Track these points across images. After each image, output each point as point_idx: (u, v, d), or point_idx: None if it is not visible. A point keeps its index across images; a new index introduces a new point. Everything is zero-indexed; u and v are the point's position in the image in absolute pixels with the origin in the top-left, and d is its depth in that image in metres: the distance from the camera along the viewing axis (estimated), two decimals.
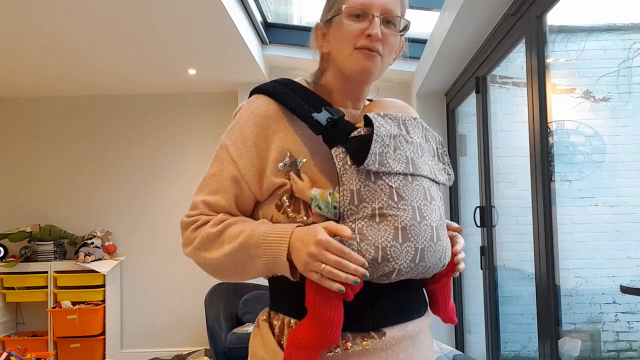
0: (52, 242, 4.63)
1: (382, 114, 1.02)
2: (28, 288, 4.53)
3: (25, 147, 4.96)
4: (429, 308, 1.14)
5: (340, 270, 0.91)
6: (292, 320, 1.03)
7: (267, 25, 4.15)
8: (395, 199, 0.97)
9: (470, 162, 3.70)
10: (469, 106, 3.61)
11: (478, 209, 3.06)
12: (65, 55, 3.84)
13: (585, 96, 3.60)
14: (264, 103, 1.08)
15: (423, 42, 3.65)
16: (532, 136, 2.24)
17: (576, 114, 3.56)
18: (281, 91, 1.09)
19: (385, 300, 1.02)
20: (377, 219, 0.96)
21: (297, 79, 1.16)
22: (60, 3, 2.92)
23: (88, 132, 4.96)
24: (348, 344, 1.00)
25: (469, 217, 3.16)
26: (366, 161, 0.96)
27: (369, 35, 1.05)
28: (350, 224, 0.97)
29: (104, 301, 4.55)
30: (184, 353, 4.42)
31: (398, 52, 1.18)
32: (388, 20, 1.09)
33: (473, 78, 3.13)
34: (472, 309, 3.70)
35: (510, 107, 3.63)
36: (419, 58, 3.86)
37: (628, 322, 3.48)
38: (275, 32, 4.19)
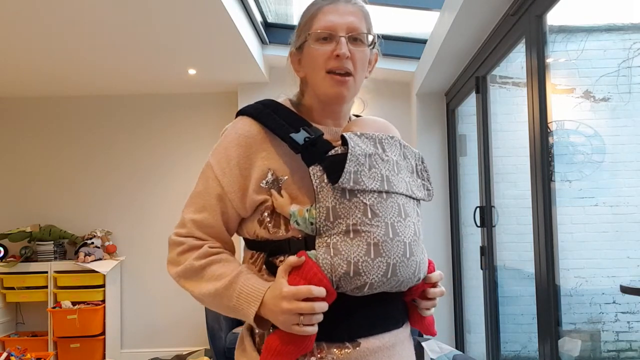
0: (52, 242, 4.63)
1: (358, 133, 1.08)
2: (28, 288, 4.53)
3: (25, 147, 4.96)
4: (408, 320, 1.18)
5: (316, 312, 0.97)
6: (272, 329, 1.06)
7: (267, 25, 4.15)
8: (369, 216, 1.02)
9: (470, 162, 3.70)
10: (469, 106, 3.61)
11: (478, 209, 3.06)
12: (65, 55, 3.84)
13: (585, 96, 3.60)
14: (246, 124, 1.13)
15: (423, 42, 3.66)
16: (532, 136, 2.24)
17: (576, 114, 3.56)
18: (262, 112, 1.14)
19: (361, 311, 1.05)
20: (351, 235, 1.01)
21: (281, 99, 1.20)
22: (60, 3, 2.92)
23: (88, 132, 4.96)
24: (323, 353, 1.03)
25: (469, 217, 3.16)
26: (340, 180, 1.01)
27: (337, 56, 1.10)
28: (326, 238, 1.02)
29: (104, 301, 4.55)
30: (184, 353, 4.42)
31: (373, 64, 1.22)
32: (355, 38, 1.12)
33: (473, 78, 3.13)
34: (472, 309, 3.70)
35: (510, 107, 3.63)
36: (419, 58, 3.87)
37: (628, 322, 3.48)
38: (275, 32, 4.19)
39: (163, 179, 4.92)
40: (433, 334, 1.17)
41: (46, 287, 4.50)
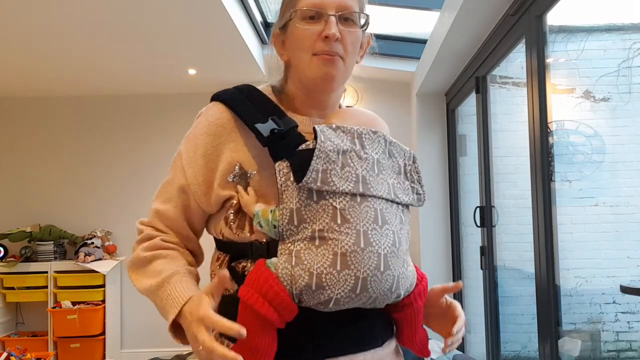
0: (52, 242, 4.63)
1: (334, 126, 0.95)
2: (28, 288, 4.53)
3: (25, 147, 4.96)
4: (394, 337, 1.05)
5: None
6: (231, 344, 0.95)
7: (267, 25, 4.15)
8: (339, 221, 0.88)
9: (470, 162, 3.70)
10: (469, 106, 3.61)
11: (478, 209, 3.06)
12: (64, 55, 3.83)
13: (585, 96, 3.60)
14: (217, 111, 1.05)
15: (423, 42, 3.66)
16: (532, 136, 2.24)
17: (576, 114, 3.56)
18: (236, 98, 1.04)
19: (330, 328, 0.93)
20: (317, 242, 0.88)
21: (262, 86, 1.09)
22: (60, 3, 2.92)
23: (88, 132, 4.96)
24: None
25: (469, 217, 3.16)
26: (305, 178, 0.88)
27: (326, 37, 0.98)
28: (289, 245, 0.90)
29: (104, 301, 4.55)
30: (184, 353, 4.42)
31: (364, 49, 1.10)
32: (346, 18, 1.00)
33: (473, 78, 3.13)
34: (472, 309, 3.70)
35: (510, 107, 3.63)
36: (419, 58, 3.86)
37: (628, 322, 3.48)
38: None
39: (163, 179, 4.91)
40: (425, 356, 1.05)
41: (46, 287, 4.50)
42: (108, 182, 4.91)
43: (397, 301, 0.96)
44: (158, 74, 4.38)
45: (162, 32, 3.42)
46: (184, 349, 4.58)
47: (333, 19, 0.98)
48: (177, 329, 0.96)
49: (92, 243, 4.60)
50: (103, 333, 4.54)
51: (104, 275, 4.51)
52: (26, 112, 4.98)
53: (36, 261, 4.58)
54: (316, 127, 0.94)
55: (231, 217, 0.99)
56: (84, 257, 4.47)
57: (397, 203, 0.96)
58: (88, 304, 4.48)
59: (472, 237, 3.21)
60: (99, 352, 4.50)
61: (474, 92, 3.13)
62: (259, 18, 3.89)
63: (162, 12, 3.09)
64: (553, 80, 2.51)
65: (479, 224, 3.04)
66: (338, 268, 0.87)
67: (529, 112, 2.26)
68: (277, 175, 0.92)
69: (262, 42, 4.16)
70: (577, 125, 3.55)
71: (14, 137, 4.97)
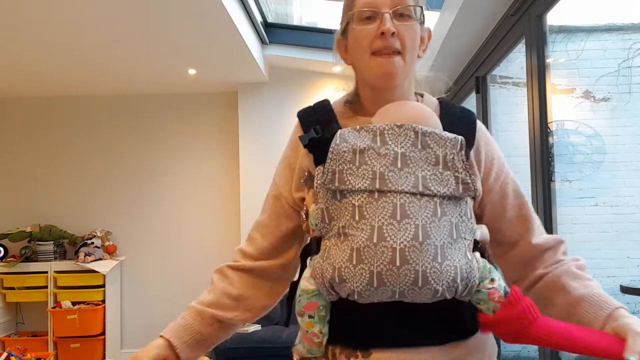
0: (52, 242, 4.63)
1: (358, 127, 0.99)
2: (28, 288, 4.53)
3: (25, 147, 4.96)
4: (472, 339, 1.00)
5: None
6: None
7: (267, 25, 4.15)
8: (356, 218, 0.93)
9: None
10: (469, 106, 3.61)
11: None
12: (64, 55, 3.84)
13: (585, 96, 3.60)
14: (295, 127, 1.13)
15: None
16: (532, 136, 2.24)
17: (576, 114, 3.57)
18: (306, 114, 1.11)
19: (376, 319, 0.95)
20: (342, 238, 0.94)
21: (339, 98, 1.15)
22: (60, 3, 2.92)
23: (88, 132, 4.96)
24: (334, 358, 0.99)
25: None
26: (321, 180, 0.96)
27: (382, 34, 1.00)
28: (326, 241, 0.97)
29: (104, 301, 4.55)
30: None
31: (426, 43, 1.12)
32: (401, 13, 1.02)
33: (473, 78, 3.13)
34: None
35: (510, 107, 3.63)
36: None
37: None
38: (275, 32, 4.18)
39: (163, 179, 4.92)
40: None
41: (46, 287, 4.50)
42: (108, 182, 4.91)
43: (460, 296, 0.94)
44: (158, 74, 4.38)
45: (162, 32, 3.42)
46: None
47: (387, 15, 1.01)
48: None
49: (92, 243, 4.60)
50: (103, 333, 4.54)
51: (104, 275, 4.51)
52: (26, 112, 4.98)
53: (36, 261, 4.58)
54: (339, 131, 0.99)
55: (303, 216, 1.08)
56: (84, 257, 4.47)
57: (429, 195, 0.94)
58: (88, 304, 4.48)
59: None
60: (99, 352, 4.50)
61: (474, 92, 3.13)
62: (259, 18, 3.89)
63: (162, 12, 3.09)
64: (553, 80, 2.51)
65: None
66: (354, 262, 0.91)
67: (529, 112, 2.26)
68: (315, 178, 0.99)
69: (262, 42, 4.16)
70: (577, 125, 3.55)
71: (14, 137, 4.97)
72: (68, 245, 4.80)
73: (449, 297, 0.92)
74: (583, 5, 3.55)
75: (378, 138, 0.97)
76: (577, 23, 3.51)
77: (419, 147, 0.97)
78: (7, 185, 4.93)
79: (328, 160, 0.96)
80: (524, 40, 2.34)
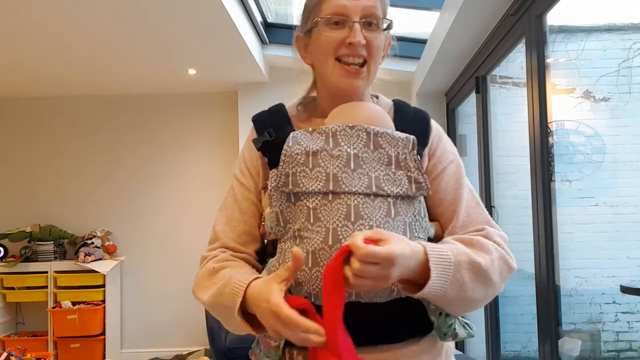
0: (52, 242, 4.63)
1: (310, 129, 1.00)
2: (28, 288, 4.53)
3: (25, 147, 4.96)
4: (429, 337, 1.01)
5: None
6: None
7: (267, 25, 4.15)
8: (311, 221, 0.93)
9: (470, 162, 3.70)
10: (469, 106, 3.61)
11: None
12: (64, 55, 3.83)
13: (585, 96, 3.60)
14: (250, 132, 1.12)
15: (423, 42, 3.65)
16: (532, 136, 2.24)
17: (576, 114, 3.56)
18: (260, 118, 1.11)
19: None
20: (297, 241, 0.94)
21: (293, 101, 1.15)
22: (60, 3, 2.92)
23: (88, 132, 4.96)
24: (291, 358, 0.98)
25: None
26: (274, 183, 0.96)
27: (350, 44, 1.00)
28: (282, 244, 0.97)
29: (104, 301, 4.55)
30: (184, 353, 4.42)
31: (386, 50, 1.12)
32: (370, 22, 1.02)
33: (473, 78, 3.13)
34: None
35: (510, 107, 3.63)
36: (419, 58, 3.86)
37: (628, 322, 3.48)
38: (275, 32, 4.18)
39: (163, 179, 4.92)
40: None
41: (46, 287, 4.50)
42: (108, 182, 4.91)
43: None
44: (158, 74, 4.38)
45: (162, 32, 3.42)
46: (184, 349, 4.58)
47: (358, 25, 1.00)
48: (248, 320, 0.94)
49: (92, 243, 4.60)
50: (103, 333, 4.54)
51: (104, 275, 4.51)
52: (26, 112, 4.98)
53: (36, 261, 4.58)
54: (291, 133, 0.99)
55: (261, 219, 1.07)
56: (84, 257, 4.47)
57: (383, 195, 0.95)
58: (88, 304, 4.48)
59: None
60: (99, 352, 4.50)
61: (474, 92, 3.13)
62: (259, 18, 3.89)
63: (162, 12, 3.09)
64: (553, 80, 2.51)
65: None
66: (309, 265, 0.91)
67: (529, 112, 2.26)
68: (269, 182, 0.98)
69: (262, 42, 4.16)
70: (577, 125, 3.55)
71: (14, 137, 4.97)
72: (68, 245, 4.80)
73: (404, 295, 0.93)
74: (583, 5, 3.55)
75: (331, 139, 0.97)
76: (577, 23, 3.51)
77: (372, 147, 0.98)
78: (7, 185, 4.93)
79: (281, 163, 0.96)
80: (524, 40, 2.34)
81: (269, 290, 0.85)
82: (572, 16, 3.45)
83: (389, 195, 0.95)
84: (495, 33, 2.68)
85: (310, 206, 0.94)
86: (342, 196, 0.93)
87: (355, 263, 0.80)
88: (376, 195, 0.94)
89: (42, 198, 4.90)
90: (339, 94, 1.05)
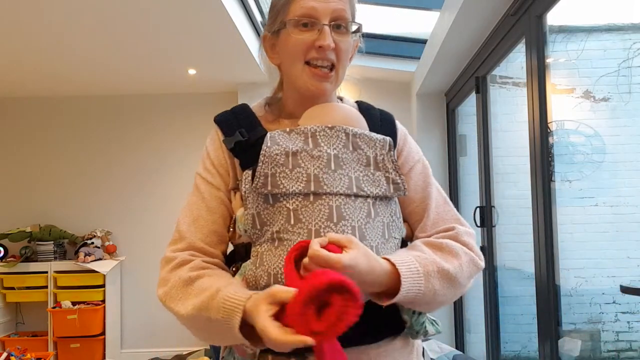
0: (52, 242, 4.63)
1: (288, 129, 0.98)
2: (28, 288, 4.53)
3: (26, 147, 4.96)
4: (401, 336, 1.00)
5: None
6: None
7: None
8: (292, 222, 0.91)
9: (470, 162, 3.70)
10: (469, 106, 3.61)
11: (478, 209, 3.06)
12: (64, 56, 3.83)
13: (585, 96, 3.60)
14: (213, 133, 1.11)
15: (423, 42, 3.65)
16: (532, 136, 2.24)
17: (576, 114, 3.56)
18: (225, 119, 1.09)
19: None
20: (276, 243, 0.92)
21: (258, 101, 1.14)
22: (60, 3, 2.92)
23: (88, 132, 4.96)
24: None
25: (469, 217, 3.16)
26: (253, 184, 0.93)
27: (319, 47, 0.99)
28: (257, 247, 0.95)
29: (104, 301, 4.55)
30: (184, 353, 4.41)
31: (353, 52, 1.10)
32: (339, 25, 1.01)
33: (473, 78, 3.13)
34: (472, 309, 3.70)
35: (510, 107, 3.63)
36: (419, 58, 3.86)
37: (628, 322, 3.48)
38: None
39: (163, 179, 4.92)
40: None
41: (46, 287, 4.50)
42: (108, 182, 4.91)
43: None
44: (158, 74, 4.38)
45: (162, 32, 3.42)
46: (184, 349, 4.57)
47: (327, 28, 0.99)
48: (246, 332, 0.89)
49: (92, 243, 4.60)
50: (103, 333, 4.54)
51: (104, 275, 4.51)
52: (26, 112, 4.98)
53: (36, 261, 4.58)
54: (269, 133, 0.97)
55: (230, 221, 1.04)
56: (84, 257, 4.47)
57: (363, 196, 0.95)
58: (88, 304, 4.48)
59: None
60: (99, 352, 4.50)
61: (474, 92, 3.13)
62: (259, 18, 3.89)
63: (162, 12, 3.09)
64: (553, 80, 2.51)
65: (479, 224, 3.04)
66: None
67: (529, 112, 2.26)
68: (242, 183, 0.97)
69: None
70: (577, 125, 3.55)
71: (14, 137, 4.97)
72: (68, 245, 4.80)
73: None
74: (583, 5, 3.55)
75: (310, 140, 0.96)
76: (577, 23, 3.51)
77: (351, 148, 0.97)
78: (7, 185, 4.93)
79: (260, 164, 0.94)
80: (524, 40, 2.34)
81: (257, 311, 0.82)
82: (572, 16, 3.45)
83: (368, 196, 0.95)
84: (495, 33, 2.68)
85: (291, 207, 0.92)
86: (324, 197, 0.92)
87: (305, 260, 0.81)
88: (357, 195, 0.94)
89: (42, 198, 4.90)
90: (306, 95, 1.04)
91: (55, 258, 4.62)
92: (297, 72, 1.02)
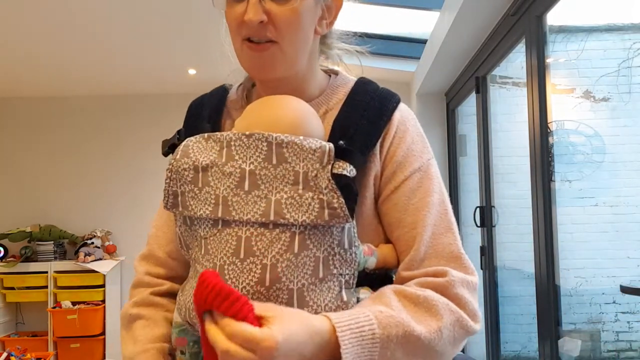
0: (52, 242, 4.63)
1: (206, 135, 0.80)
2: (28, 288, 4.53)
3: (26, 147, 4.96)
4: None
5: None
6: None
7: None
8: (202, 252, 0.76)
9: (470, 162, 3.70)
10: (469, 106, 3.61)
11: (478, 209, 3.06)
12: (64, 56, 3.84)
13: (585, 96, 3.60)
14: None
15: (423, 42, 3.65)
16: (532, 136, 2.24)
17: (576, 114, 3.57)
18: (195, 105, 0.97)
19: None
20: (194, 271, 0.80)
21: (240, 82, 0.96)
22: (60, 4, 2.92)
23: (88, 132, 4.96)
24: None
25: (469, 217, 3.16)
26: (163, 204, 0.80)
27: (243, 22, 0.81)
28: (191, 269, 0.83)
29: (104, 301, 4.55)
30: None
31: (334, 12, 0.87)
32: None
33: (473, 78, 3.13)
34: None
35: (510, 107, 3.63)
36: (419, 58, 3.87)
37: (628, 322, 3.48)
38: None
39: (163, 179, 4.91)
40: None
41: (46, 287, 4.50)
42: (108, 182, 4.91)
43: None
44: (158, 74, 4.38)
45: (162, 32, 3.42)
46: None
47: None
48: None
49: (92, 243, 4.60)
50: (103, 333, 4.54)
51: (104, 275, 4.51)
52: (26, 112, 4.98)
53: (36, 261, 4.58)
54: (187, 139, 0.82)
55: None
56: (84, 257, 4.47)
57: (284, 225, 0.73)
58: (88, 304, 4.48)
59: (472, 237, 3.21)
60: (99, 352, 4.50)
61: (474, 92, 3.13)
62: None
63: (162, 11, 3.09)
64: (553, 80, 2.51)
65: (479, 224, 3.04)
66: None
67: (529, 112, 2.26)
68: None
69: None
70: (577, 125, 3.55)
71: (15, 137, 4.97)
72: (68, 245, 4.80)
73: None
74: (583, 5, 3.55)
75: (224, 151, 0.77)
76: (577, 23, 3.51)
77: (274, 162, 0.75)
78: (8, 185, 4.93)
79: (167, 180, 0.80)
80: (524, 40, 2.34)
81: None
82: (572, 16, 3.45)
83: (292, 225, 0.73)
84: (495, 33, 2.68)
85: (202, 234, 0.77)
86: (232, 225, 0.74)
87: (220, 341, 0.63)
88: (275, 224, 0.73)
89: (42, 198, 4.90)
90: (260, 80, 0.89)
91: (55, 258, 4.62)
92: (238, 51, 0.87)
